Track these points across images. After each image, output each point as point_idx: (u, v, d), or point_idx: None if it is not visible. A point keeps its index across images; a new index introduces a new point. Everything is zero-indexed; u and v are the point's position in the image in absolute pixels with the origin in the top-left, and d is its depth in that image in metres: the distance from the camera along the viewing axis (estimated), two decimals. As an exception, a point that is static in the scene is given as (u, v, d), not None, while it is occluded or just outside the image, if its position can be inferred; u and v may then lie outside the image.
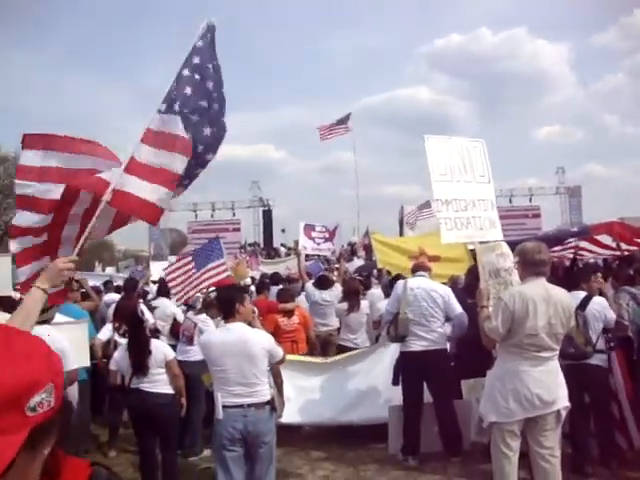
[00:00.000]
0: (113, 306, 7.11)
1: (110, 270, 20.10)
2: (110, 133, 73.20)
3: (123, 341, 6.08)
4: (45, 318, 4.73)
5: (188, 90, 3.34)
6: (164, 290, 7.69)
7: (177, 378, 5.00)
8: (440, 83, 74.55)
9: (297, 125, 77.80)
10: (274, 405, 4.13)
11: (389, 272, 9.28)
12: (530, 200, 33.76)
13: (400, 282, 5.93)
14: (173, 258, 18.30)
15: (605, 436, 5.31)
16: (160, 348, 5.05)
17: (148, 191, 3.05)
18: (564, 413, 4.05)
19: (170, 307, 7.40)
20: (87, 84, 74.25)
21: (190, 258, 7.30)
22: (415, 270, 6.10)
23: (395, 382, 5.81)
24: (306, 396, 6.13)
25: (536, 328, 3.93)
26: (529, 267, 4.14)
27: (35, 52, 72.06)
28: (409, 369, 5.67)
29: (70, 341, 4.76)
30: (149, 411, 4.95)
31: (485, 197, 4.94)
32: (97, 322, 7.40)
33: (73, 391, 5.29)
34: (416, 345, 5.62)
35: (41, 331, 4.64)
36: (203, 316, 6.35)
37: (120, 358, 5.16)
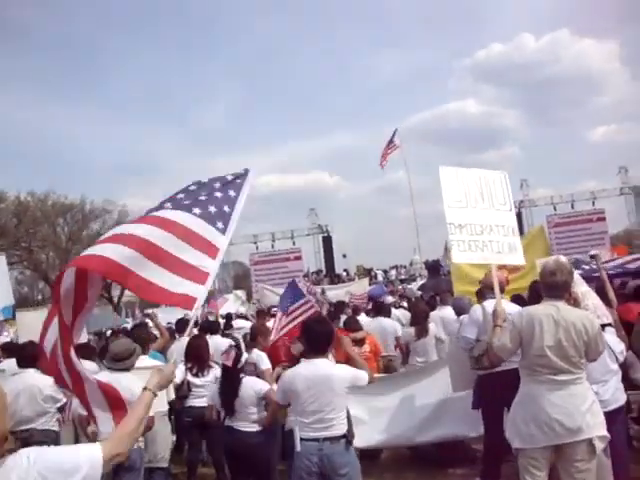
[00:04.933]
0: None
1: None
2: (164, 173, 75.60)
3: (197, 381, 6.21)
4: (126, 366, 4.88)
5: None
6: (227, 325, 7.84)
7: (274, 406, 4.85)
8: (487, 94, 73.58)
9: (348, 149, 78.32)
10: (350, 438, 4.16)
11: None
12: (593, 204, 32.73)
13: (477, 307, 5.71)
14: (239, 292, 18.71)
15: None
16: (251, 386, 5.02)
17: (176, 284, 3.17)
18: (599, 444, 3.82)
19: (221, 343, 7.52)
20: (140, 129, 77.15)
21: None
22: (487, 291, 5.73)
23: (475, 406, 5.70)
24: (380, 417, 6.05)
25: (543, 348, 3.83)
26: (543, 289, 4.14)
27: (88, 101, 75.29)
28: (490, 392, 5.46)
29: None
30: (241, 449, 5.00)
31: (505, 223, 5.13)
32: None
33: (152, 435, 5.42)
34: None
35: (121, 379, 4.82)
36: (256, 352, 6.26)
37: (214, 394, 5.25)
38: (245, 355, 5.34)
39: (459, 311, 6.97)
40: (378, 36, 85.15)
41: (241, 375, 5.07)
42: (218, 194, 3.68)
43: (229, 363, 5.02)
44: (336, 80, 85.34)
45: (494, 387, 5.43)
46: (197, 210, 3.49)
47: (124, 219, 42.20)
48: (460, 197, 5.03)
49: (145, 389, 2.38)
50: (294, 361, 5.31)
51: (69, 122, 70.26)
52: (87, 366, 6.28)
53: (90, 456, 1.93)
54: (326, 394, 4.11)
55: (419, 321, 7.43)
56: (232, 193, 3.73)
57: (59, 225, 41.47)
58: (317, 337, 4.34)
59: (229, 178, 3.87)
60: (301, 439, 4.13)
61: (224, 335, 8.81)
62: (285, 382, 4.35)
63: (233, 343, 7.65)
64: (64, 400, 5.59)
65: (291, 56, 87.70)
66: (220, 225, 3.49)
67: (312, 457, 4.06)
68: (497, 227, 5.05)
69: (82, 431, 5.40)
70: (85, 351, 6.75)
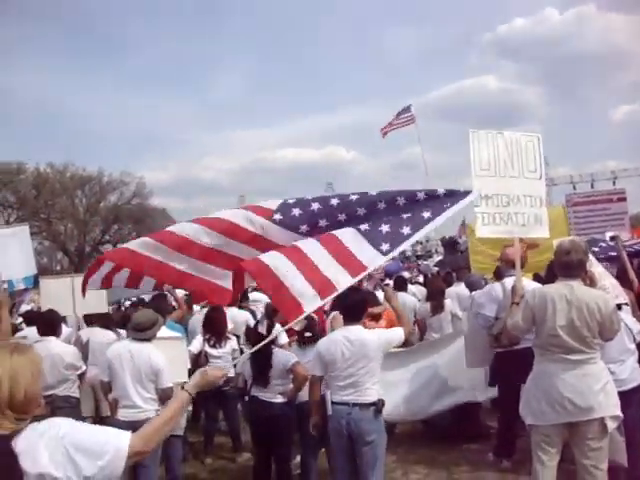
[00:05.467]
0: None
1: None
2: (175, 145, 75.71)
3: (214, 352, 6.29)
4: (148, 336, 4.93)
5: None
6: (243, 297, 8.05)
7: (300, 379, 4.93)
8: (507, 70, 72.48)
9: (365, 124, 77.77)
10: (380, 407, 4.26)
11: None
12: (614, 183, 32.21)
13: (497, 285, 5.69)
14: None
15: None
16: (280, 359, 5.03)
17: (303, 293, 3.16)
18: (611, 423, 3.85)
19: (238, 315, 7.59)
20: (156, 102, 77.25)
21: None
22: (506, 268, 5.70)
23: (492, 382, 5.75)
24: (393, 391, 6.03)
25: (555, 328, 3.84)
26: (558, 268, 4.11)
27: (106, 74, 75.43)
28: (507, 369, 5.47)
29: (168, 358, 4.95)
30: (265, 420, 5.05)
31: (533, 193, 4.93)
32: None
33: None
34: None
35: (143, 349, 4.88)
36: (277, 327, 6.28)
37: (244, 364, 5.28)
38: (277, 328, 5.34)
39: (471, 287, 7.01)
40: (398, 10, 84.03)
41: (272, 346, 5.09)
42: (405, 216, 3.44)
43: (264, 331, 5.04)
44: (355, 55, 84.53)
45: (511, 364, 5.43)
46: (364, 226, 3.38)
47: (142, 191, 42.52)
48: (489, 164, 4.85)
49: (182, 389, 2.35)
50: (300, 337, 5.39)
51: (88, 94, 70.49)
52: (106, 336, 6.43)
53: (117, 445, 1.96)
54: (361, 360, 4.23)
55: (435, 297, 7.43)
56: (427, 215, 3.45)
57: (77, 197, 41.84)
58: (352, 305, 4.48)
59: (439, 194, 3.55)
60: (332, 402, 4.28)
61: (240, 308, 8.89)
62: (321, 351, 4.43)
63: (250, 315, 7.75)
64: (84, 367, 5.70)
65: (309, 30, 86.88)
66: (385, 247, 3.33)
67: (342, 420, 4.21)
68: (524, 197, 4.88)
69: (103, 397, 5.52)
70: (104, 321, 6.87)
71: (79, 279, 6.95)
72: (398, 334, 4.49)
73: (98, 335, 6.47)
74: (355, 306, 4.49)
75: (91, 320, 6.91)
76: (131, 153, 75.36)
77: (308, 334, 5.32)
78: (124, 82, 74.43)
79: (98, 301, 6.79)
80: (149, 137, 76.71)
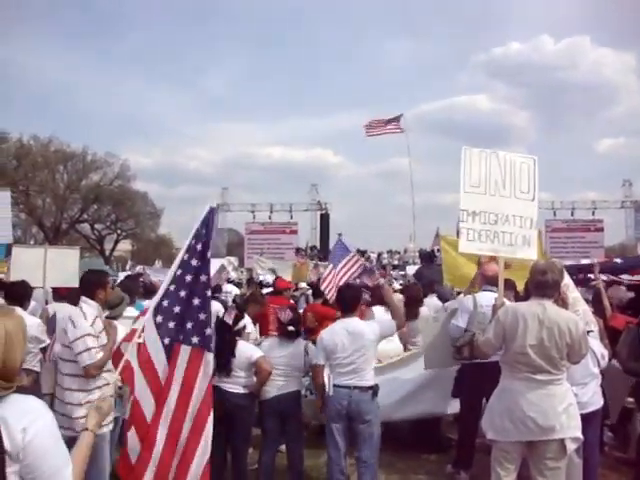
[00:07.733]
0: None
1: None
2: (161, 131, 75.33)
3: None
4: (114, 314, 4.86)
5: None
6: (216, 288, 7.99)
7: (263, 374, 4.95)
8: (499, 92, 72.88)
9: (355, 130, 77.77)
10: (376, 390, 4.79)
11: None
12: (593, 213, 32.84)
13: (469, 297, 5.72)
14: (231, 258, 18.64)
15: None
16: (244, 351, 5.00)
17: None
18: (571, 445, 3.89)
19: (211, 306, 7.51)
20: (147, 87, 76.77)
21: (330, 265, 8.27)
22: (484, 283, 5.80)
23: (455, 394, 5.76)
24: None
25: (525, 346, 3.87)
26: (532, 287, 4.16)
27: (99, 54, 74.83)
28: (473, 382, 5.51)
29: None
30: (226, 409, 4.98)
31: (524, 214, 4.85)
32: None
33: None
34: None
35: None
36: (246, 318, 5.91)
37: None
38: (244, 320, 5.28)
39: (440, 299, 7.19)
40: (394, 21, 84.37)
41: (237, 337, 5.06)
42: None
43: (230, 321, 5.02)
44: (351, 62, 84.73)
45: (475, 378, 5.47)
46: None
47: (125, 173, 42.06)
48: (479, 182, 4.78)
49: (86, 429, 2.35)
50: (282, 330, 5.31)
51: (80, 72, 69.67)
52: (73, 311, 6.33)
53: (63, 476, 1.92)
54: (360, 349, 4.73)
55: (410, 304, 7.42)
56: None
57: (59, 172, 41.17)
58: (348, 299, 5.03)
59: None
60: (334, 385, 4.69)
61: (213, 298, 8.81)
62: (325, 339, 4.88)
63: (221, 306, 7.68)
64: (48, 341, 5.59)
65: (307, 30, 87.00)
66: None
67: (342, 401, 4.68)
68: (514, 217, 4.80)
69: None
70: (72, 298, 6.75)
71: (53, 250, 6.89)
72: (390, 326, 5.00)
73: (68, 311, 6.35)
74: (351, 300, 5.01)
75: (61, 295, 6.77)
76: (116, 135, 74.57)
77: (291, 328, 5.26)
78: (116, 63, 73.68)
79: (70, 275, 6.66)
80: (136, 120, 75.95)
